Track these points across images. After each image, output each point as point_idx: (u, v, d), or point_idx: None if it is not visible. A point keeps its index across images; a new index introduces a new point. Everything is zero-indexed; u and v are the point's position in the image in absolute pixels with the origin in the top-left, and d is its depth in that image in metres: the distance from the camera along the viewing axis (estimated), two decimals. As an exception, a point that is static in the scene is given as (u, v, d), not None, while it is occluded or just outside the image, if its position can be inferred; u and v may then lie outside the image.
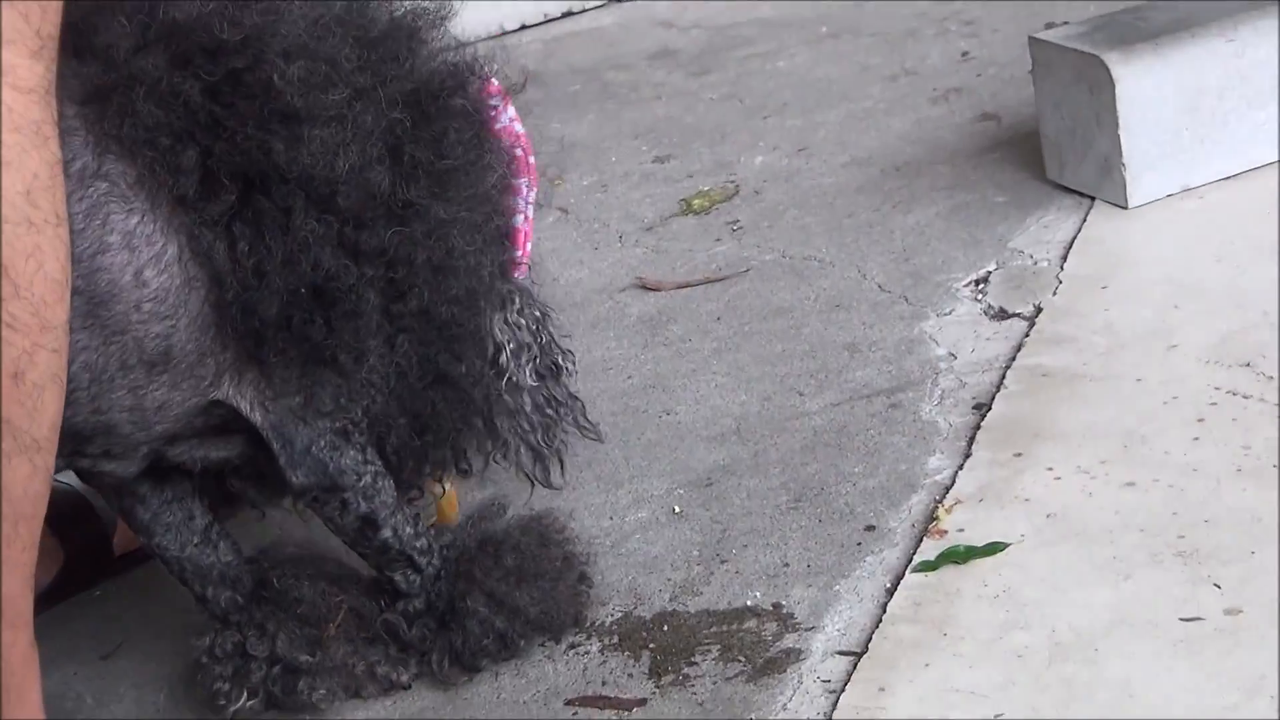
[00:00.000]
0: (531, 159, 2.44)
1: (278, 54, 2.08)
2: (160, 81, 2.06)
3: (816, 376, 3.01)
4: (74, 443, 2.11)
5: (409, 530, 2.34)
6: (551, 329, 2.52)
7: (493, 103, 2.37)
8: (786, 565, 2.52)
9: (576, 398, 2.58)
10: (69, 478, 2.72)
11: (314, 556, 2.46)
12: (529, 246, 2.45)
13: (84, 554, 2.79)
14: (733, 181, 3.87)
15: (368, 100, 2.15)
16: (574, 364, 2.58)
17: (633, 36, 4.87)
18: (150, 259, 2.05)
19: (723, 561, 2.56)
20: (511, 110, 2.42)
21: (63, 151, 2.00)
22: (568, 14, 5.08)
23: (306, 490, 2.25)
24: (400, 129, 2.19)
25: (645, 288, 3.46)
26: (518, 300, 2.44)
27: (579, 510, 2.75)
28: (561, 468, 2.56)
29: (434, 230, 2.20)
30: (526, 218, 2.43)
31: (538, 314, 2.49)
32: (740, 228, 3.64)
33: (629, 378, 3.15)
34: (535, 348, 2.48)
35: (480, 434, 2.43)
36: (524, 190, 2.42)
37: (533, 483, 2.53)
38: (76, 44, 2.09)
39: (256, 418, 2.19)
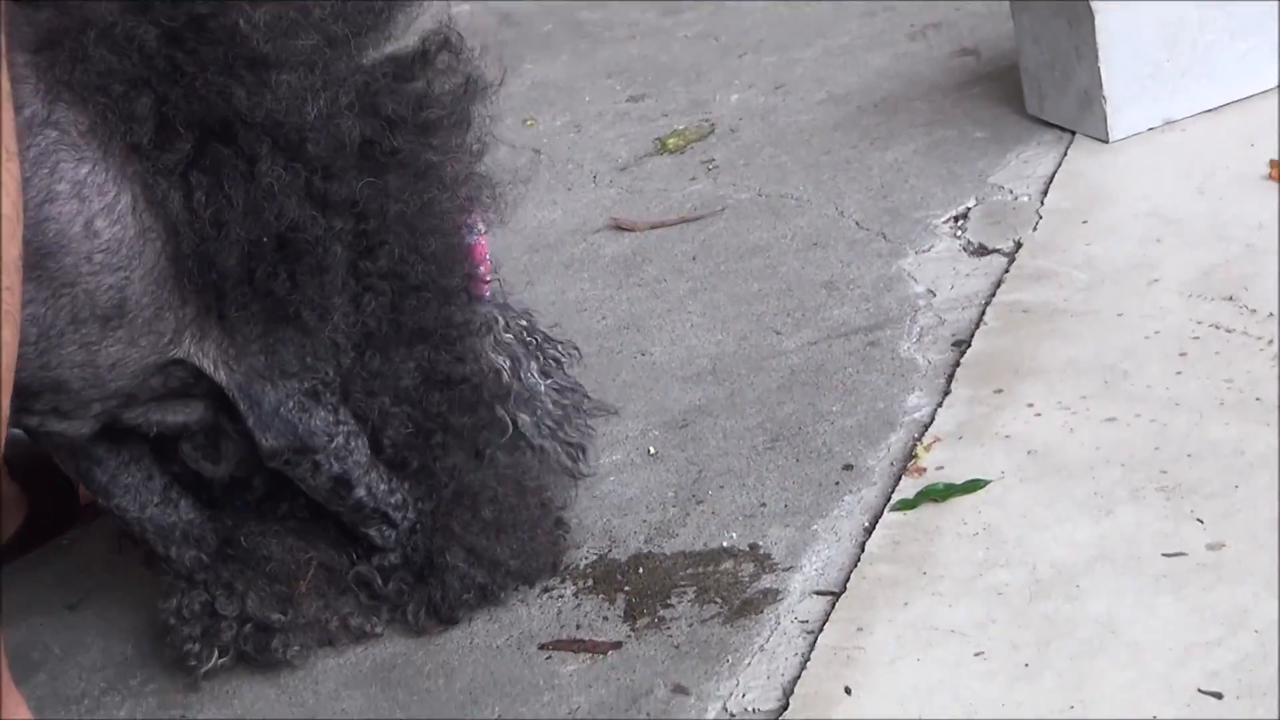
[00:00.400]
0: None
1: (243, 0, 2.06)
2: (114, 26, 2.03)
3: (794, 315, 2.99)
4: (20, 398, 2.05)
5: (383, 487, 2.32)
6: (540, 328, 2.56)
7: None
8: (763, 505, 2.51)
9: (578, 384, 2.62)
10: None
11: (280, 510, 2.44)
12: (488, 264, 2.45)
13: (49, 503, 2.77)
14: (708, 120, 3.85)
15: (340, 48, 2.12)
16: (572, 352, 2.62)
17: (606, -25, 4.83)
18: (102, 209, 2.01)
19: (699, 503, 2.55)
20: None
21: (11, 99, 1.96)
22: (540, -47, 5.03)
23: (277, 453, 2.23)
24: (378, 78, 2.17)
25: (620, 228, 3.45)
26: (500, 318, 2.45)
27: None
28: (585, 453, 2.59)
29: (411, 182, 2.18)
30: (479, 234, 2.42)
31: (523, 323, 2.51)
32: (716, 166, 3.62)
33: (603, 318, 3.13)
34: (532, 352, 2.50)
35: (500, 428, 2.43)
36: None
37: (574, 477, 2.57)
38: None
39: (221, 377, 2.16)
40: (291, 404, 2.19)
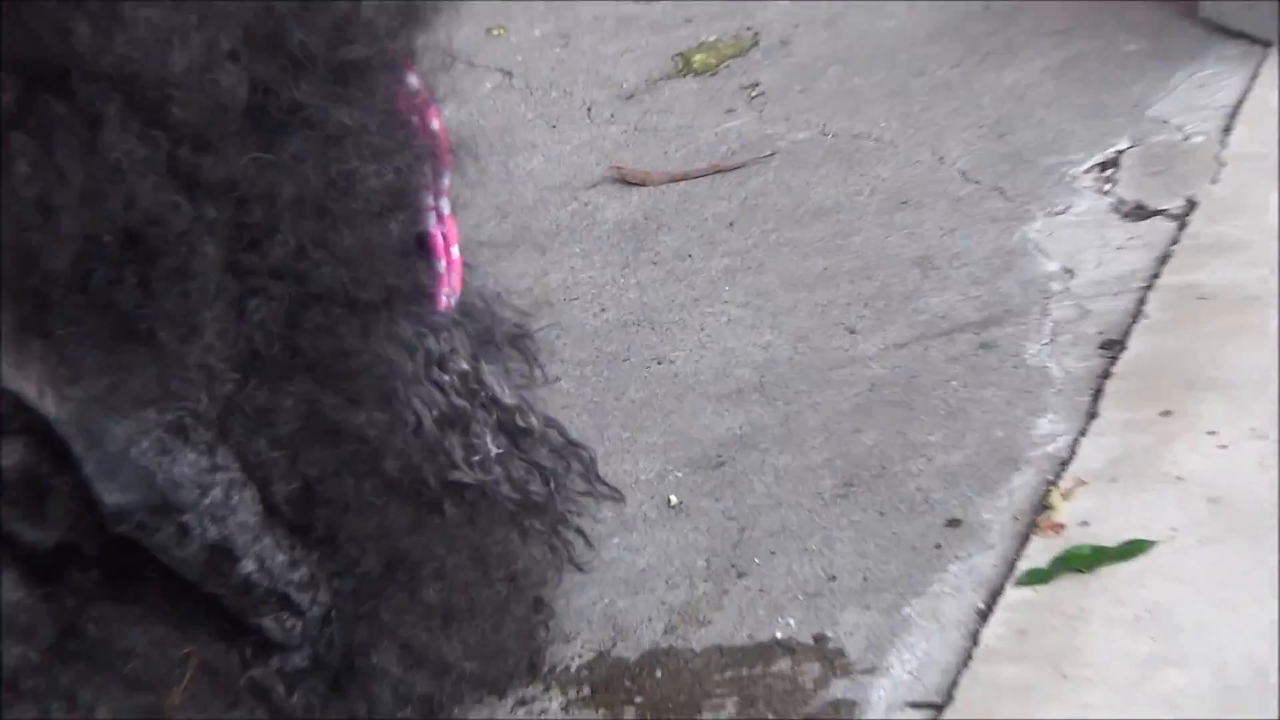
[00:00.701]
0: (435, 126, 2.47)
1: None
2: None
3: (874, 305, 3.00)
4: None
5: (280, 559, 2.31)
6: (490, 376, 2.53)
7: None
8: (833, 579, 2.51)
9: (579, 445, 2.61)
10: None
11: (140, 585, 2.43)
12: (455, 257, 2.46)
13: None
14: (750, 28, 3.88)
15: None
16: (535, 419, 2.59)
17: None
18: None
19: (741, 575, 2.55)
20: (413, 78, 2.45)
21: None
22: None
23: (126, 512, 2.20)
24: (281, 9, 2.16)
25: (625, 181, 3.47)
26: (433, 347, 2.46)
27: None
28: (585, 540, 2.60)
29: (319, 150, 2.18)
30: (441, 216, 2.44)
31: (464, 366, 2.50)
32: (761, 94, 3.65)
33: (603, 310, 3.15)
34: (478, 408, 2.50)
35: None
36: (436, 183, 2.43)
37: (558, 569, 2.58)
38: None
39: (49, 408, 2.14)
40: (147, 443, 2.17)
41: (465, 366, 2.47)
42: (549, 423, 2.58)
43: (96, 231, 2.01)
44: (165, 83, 2.03)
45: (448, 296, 2.41)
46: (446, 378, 2.44)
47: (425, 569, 2.38)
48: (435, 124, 2.39)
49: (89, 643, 2.31)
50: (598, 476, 2.63)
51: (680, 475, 2.76)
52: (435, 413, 2.41)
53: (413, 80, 2.39)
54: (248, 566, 2.27)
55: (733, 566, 2.57)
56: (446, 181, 2.42)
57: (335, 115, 2.17)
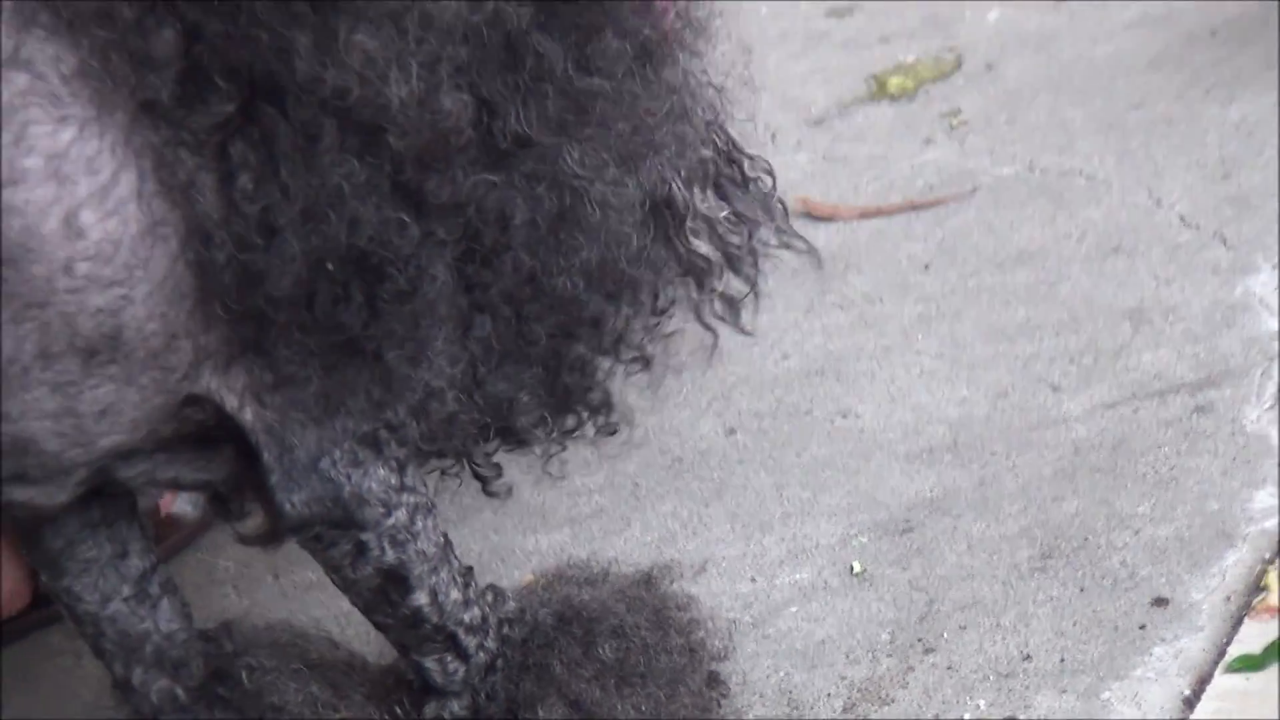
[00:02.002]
0: None
1: None
2: None
3: (1080, 361, 3.03)
4: None
5: (454, 595, 2.38)
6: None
7: None
8: (1028, 659, 2.54)
9: (774, 197, 2.65)
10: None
11: (300, 635, 2.49)
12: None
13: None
14: (951, 50, 3.91)
15: None
16: (765, 169, 2.64)
17: None
18: (91, 195, 2.03)
19: (928, 651, 2.59)
20: None
21: None
22: None
23: (306, 524, 2.28)
24: (516, 21, 2.21)
25: (811, 216, 3.49)
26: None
27: (706, 568, 2.80)
28: (757, 298, 2.61)
29: (556, 179, 2.23)
30: None
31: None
32: (962, 123, 3.67)
33: (784, 358, 3.18)
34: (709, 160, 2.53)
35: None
36: None
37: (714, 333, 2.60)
38: None
39: (246, 416, 2.21)
40: (339, 454, 2.25)
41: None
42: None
43: (321, 255, 2.08)
44: (383, 112, 2.10)
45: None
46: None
47: (603, 624, 2.43)
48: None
49: (240, 691, 2.41)
50: (787, 227, 2.66)
51: (865, 541, 2.80)
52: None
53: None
54: (420, 599, 2.34)
55: (919, 641, 2.61)
56: None
57: (563, 155, 2.22)
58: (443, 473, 2.43)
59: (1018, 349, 3.09)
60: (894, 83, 3.83)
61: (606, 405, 2.44)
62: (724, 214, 2.52)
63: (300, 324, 2.11)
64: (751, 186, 2.56)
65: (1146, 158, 3.44)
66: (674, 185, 2.41)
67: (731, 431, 2.94)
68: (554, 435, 2.43)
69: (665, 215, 2.42)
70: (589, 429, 2.45)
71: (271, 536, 2.33)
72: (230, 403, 2.18)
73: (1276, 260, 3.14)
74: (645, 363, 2.49)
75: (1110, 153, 3.48)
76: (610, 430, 2.46)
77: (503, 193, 2.18)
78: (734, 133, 2.55)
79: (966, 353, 3.11)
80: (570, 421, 2.44)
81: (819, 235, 3.43)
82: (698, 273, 2.49)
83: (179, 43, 2.04)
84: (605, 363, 2.41)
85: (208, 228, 2.06)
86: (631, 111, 2.29)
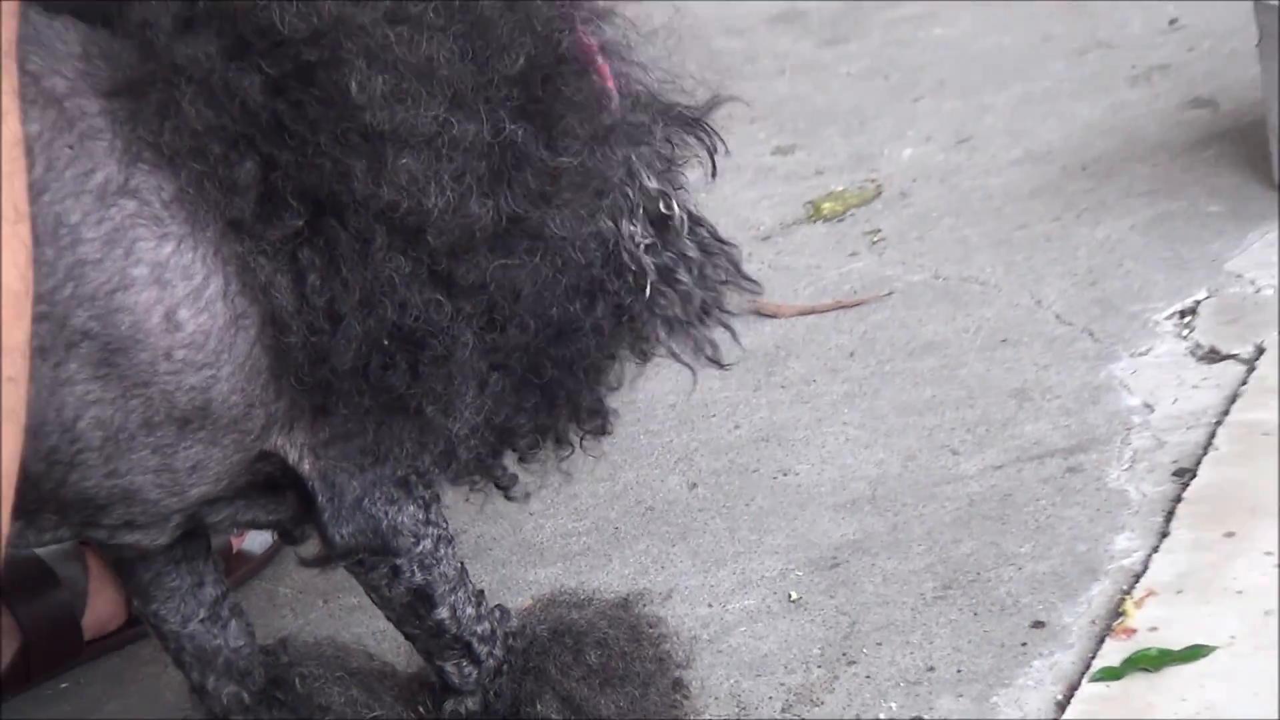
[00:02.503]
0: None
1: (357, 53, 2.10)
2: (213, 73, 2.08)
3: (975, 430, 3.04)
4: (85, 511, 2.13)
5: (469, 611, 2.39)
6: (637, 160, 2.41)
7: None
8: (931, 669, 2.55)
9: (726, 243, 2.52)
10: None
11: (342, 650, 2.50)
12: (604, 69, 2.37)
13: (46, 635, 2.85)
14: (873, 180, 3.91)
15: (469, 107, 2.16)
16: (679, 207, 2.48)
17: (750, -6, 4.93)
18: (186, 296, 2.06)
19: (851, 663, 2.59)
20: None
21: (81, 161, 2.02)
22: (668, -36, 5.12)
23: (351, 551, 2.30)
24: (510, 132, 2.20)
25: (760, 313, 3.50)
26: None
27: (672, 595, 2.81)
28: (734, 335, 2.53)
29: (545, 247, 2.22)
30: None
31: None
32: (882, 239, 3.68)
33: (736, 427, 3.19)
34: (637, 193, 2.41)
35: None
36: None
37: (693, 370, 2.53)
38: (106, 14, 2.12)
39: (304, 467, 2.23)
40: (378, 494, 2.27)
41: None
42: (696, 218, 2.51)
43: (375, 333, 2.11)
44: (424, 218, 2.12)
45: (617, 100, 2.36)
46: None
47: (589, 637, 2.45)
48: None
49: (293, 694, 2.44)
50: (740, 272, 2.53)
51: (800, 574, 2.80)
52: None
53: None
54: (442, 613, 2.36)
55: (843, 655, 2.61)
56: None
57: (549, 224, 2.22)
58: (471, 486, 2.43)
59: (924, 421, 3.10)
60: (826, 207, 3.84)
61: (599, 413, 2.43)
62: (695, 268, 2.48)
63: (357, 389, 2.13)
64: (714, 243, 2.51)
65: (1029, 268, 3.46)
66: (624, 234, 2.38)
67: (693, 485, 2.94)
68: (550, 447, 2.43)
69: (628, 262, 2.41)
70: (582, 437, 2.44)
71: (325, 561, 2.35)
72: (292, 456, 2.21)
73: (1133, 351, 3.15)
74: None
75: (1000, 263, 3.49)
76: (603, 430, 2.44)
77: (512, 271, 2.19)
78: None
79: (883, 423, 3.11)
80: (564, 433, 2.43)
81: (765, 330, 3.45)
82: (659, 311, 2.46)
83: (258, 171, 2.07)
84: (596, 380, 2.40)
85: (284, 319, 2.09)
86: (593, 179, 2.28)
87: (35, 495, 2.07)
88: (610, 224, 2.34)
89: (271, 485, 2.27)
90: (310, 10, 2.09)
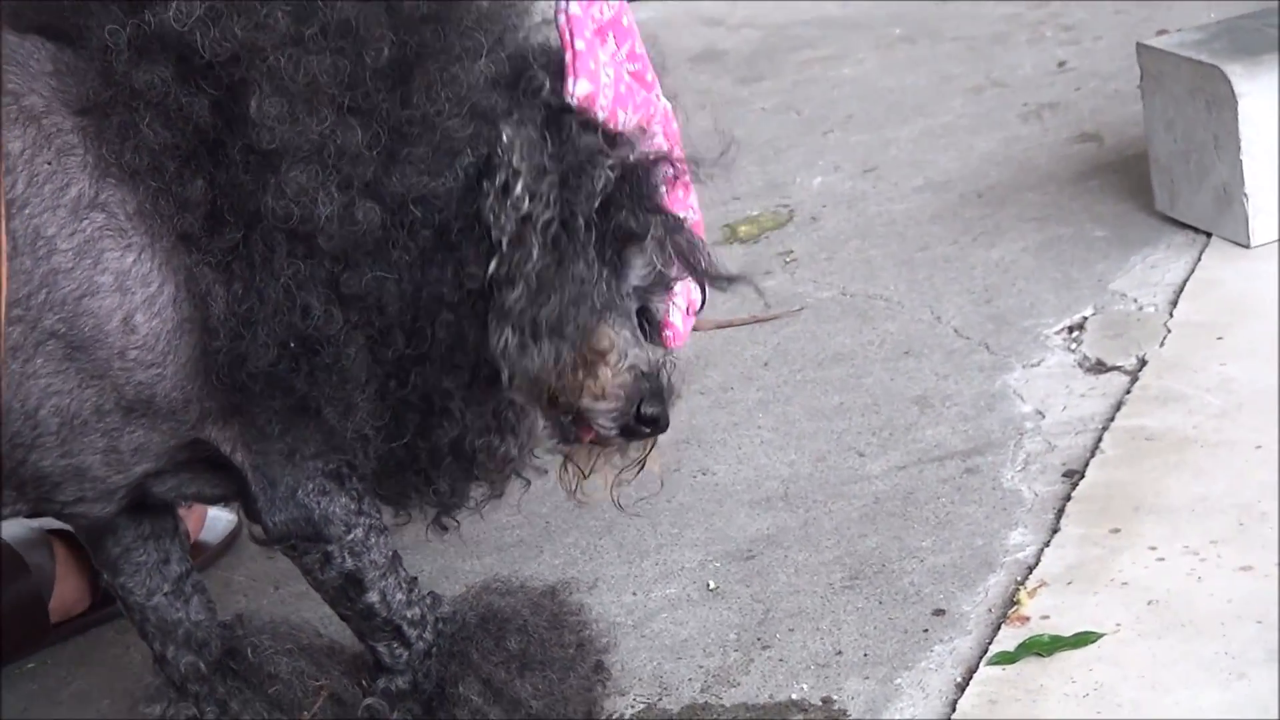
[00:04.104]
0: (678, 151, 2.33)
1: (264, 76, 2.11)
2: (167, 97, 2.10)
3: (880, 434, 3.03)
4: (41, 488, 2.17)
5: (399, 596, 2.36)
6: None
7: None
8: (839, 653, 2.54)
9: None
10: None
11: (294, 627, 2.49)
12: (581, 49, 2.23)
13: (14, 618, 2.82)
14: (786, 206, 3.90)
15: (357, 112, 2.14)
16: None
17: (673, 34, 4.89)
18: (143, 302, 2.10)
19: (765, 647, 2.58)
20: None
21: (58, 177, 2.06)
22: (597, 7, 5.10)
23: (284, 537, 2.29)
24: (386, 114, 2.17)
25: (681, 326, 3.48)
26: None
27: (598, 584, 2.79)
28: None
29: (418, 261, 2.18)
30: (569, 14, 2.22)
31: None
32: (794, 260, 3.67)
33: (659, 430, 3.16)
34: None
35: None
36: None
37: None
38: (70, 33, 2.13)
39: (238, 458, 2.24)
40: (311, 485, 2.26)
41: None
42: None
43: (281, 338, 2.12)
44: (314, 225, 2.12)
45: (575, 84, 2.22)
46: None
47: (512, 624, 2.43)
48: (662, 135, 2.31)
49: (246, 664, 2.43)
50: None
51: (718, 565, 2.79)
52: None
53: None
54: (372, 597, 2.34)
55: (758, 640, 2.60)
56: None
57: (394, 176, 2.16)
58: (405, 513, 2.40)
59: (833, 425, 3.09)
60: (743, 230, 3.84)
61: (510, 463, 2.34)
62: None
63: (268, 391, 2.14)
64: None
65: (930, 286, 3.46)
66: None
67: (620, 483, 2.92)
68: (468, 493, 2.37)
69: None
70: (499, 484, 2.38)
71: (264, 543, 2.35)
72: (225, 448, 2.23)
73: (1025, 362, 3.16)
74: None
75: (903, 282, 3.49)
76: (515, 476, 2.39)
77: (386, 284, 2.16)
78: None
79: (795, 427, 3.11)
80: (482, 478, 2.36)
81: (688, 341, 3.42)
82: None
83: (206, 189, 2.10)
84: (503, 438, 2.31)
85: (213, 324, 2.12)
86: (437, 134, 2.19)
87: None
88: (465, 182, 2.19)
89: (214, 463, 2.28)
90: (225, 36, 2.10)
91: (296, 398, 2.15)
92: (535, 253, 2.17)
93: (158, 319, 2.11)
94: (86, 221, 2.07)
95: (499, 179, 2.17)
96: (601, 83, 2.24)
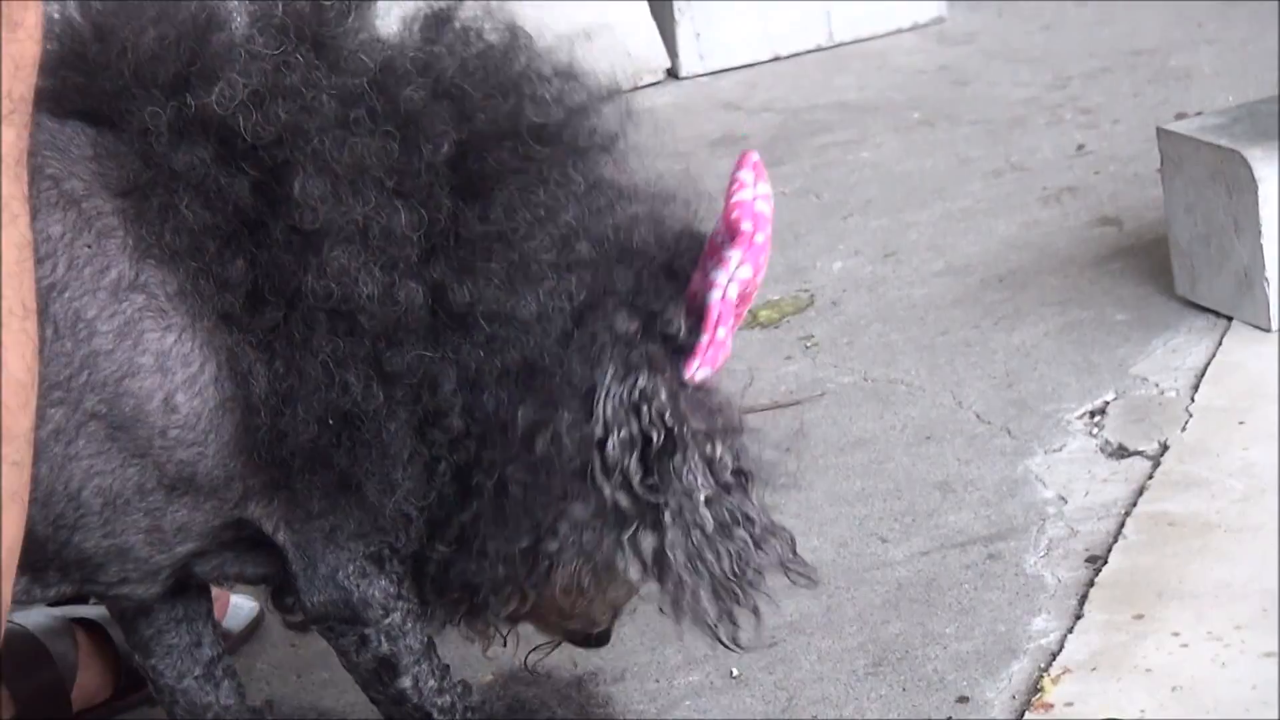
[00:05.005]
0: (760, 239, 2.24)
1: (308, 158, 2.14)
2: (206, 179, 2.13)
3: (902, 520, 3.04)
4: (85, 569, 2.20)
5: (432, 684, 2.37)
6: (698, 421, 2.27)
7: (742, 176, 2.30)
8: (863, 741, 2.55)
9: (779, 526, 2.38)
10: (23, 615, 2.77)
11: (322, 712, 2.52)
12: (720, 338, 2.24)
13: (36, 706, 2.83)
14: (806, 290, 3.92)
15: (403, 197, 2.17)
16: (749, 468, 2.34)
17: (692, 119, 4.93)
18: (184, 381, 2.13)
19: (788, 735, 2.59)
20: (763, 188, 2.29)
21: (98, 259, 2.09)
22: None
23: (322, 617, 2.30)
24: (451, 214, 2.20)
25: (702, 412, 3.49)
26: (643, 379, 2.20)
27: (625, 674, 2.78)
28: (757, 617, 2.33)
29: (491, 339, 2.20)
30: (725, 296, 2.22)
31: (664, 399, 2.21)
32: (815, 344, 3.69)
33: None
34: (681, 443, 2.24)
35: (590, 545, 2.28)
36: (731, 263, 2.22)
37: (718, 640, 2.32)
38: (111, 117, 2.17)
39: (280, 537, 2.25)
40: (351, 568, 2.27)
41: (665, 400, 2.22)
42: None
43: (320, 414, 2.14)
44: (355, 304, 2.14)
45: (698, 369, 2.26)
46: (644, 406, 2.22)
47: (539, 716, 2.44)
48: (749, 224, 2.25)
49: None
50: (796, 555, 2.38)
51: (741, 652, 2.78)
52: (623, 433, 2.22)
53: (749, 189, 2.29)
54: (405, 683, 2.34)
55: (782, 728, 2.61)
56: (744, 269, 2.23)
57: (498, 314, 2.18)
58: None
59: (855, 510, 3.10)
60: (763, 315, 3.85)
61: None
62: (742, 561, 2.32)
63: (309, 467, 2.17)
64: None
65: (951, 371, 3.47)
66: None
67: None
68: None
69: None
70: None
71: (304, 625, 2.37)
72: (267, 527, 2.25)
73: (1047, 447, 3.17)
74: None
75: (924, 367, 3.50)
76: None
77: (435, 364, 2.18)
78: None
79: (817, 513, 3.11)
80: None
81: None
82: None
83: (247, 269, 2.13)
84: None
85: (255, 402, 2.14)
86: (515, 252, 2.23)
87: (41, 555, 2.14)
88: (539, 304, 2.21)
89: (257, 542, 2.30)
90: (269, 119, 2.14)
91: (337, 473, 2.17)
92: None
93: (199, 398, 2.13)
94: (126, 303, 2.10)
95: (595, 431, 2.21)
96: (720, 360, 2.28)
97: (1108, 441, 3.14)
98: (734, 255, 2.22)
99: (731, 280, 2.22)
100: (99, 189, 2.12)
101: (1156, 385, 3.28)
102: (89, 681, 2.88)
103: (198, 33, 2.20)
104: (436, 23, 2.28)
